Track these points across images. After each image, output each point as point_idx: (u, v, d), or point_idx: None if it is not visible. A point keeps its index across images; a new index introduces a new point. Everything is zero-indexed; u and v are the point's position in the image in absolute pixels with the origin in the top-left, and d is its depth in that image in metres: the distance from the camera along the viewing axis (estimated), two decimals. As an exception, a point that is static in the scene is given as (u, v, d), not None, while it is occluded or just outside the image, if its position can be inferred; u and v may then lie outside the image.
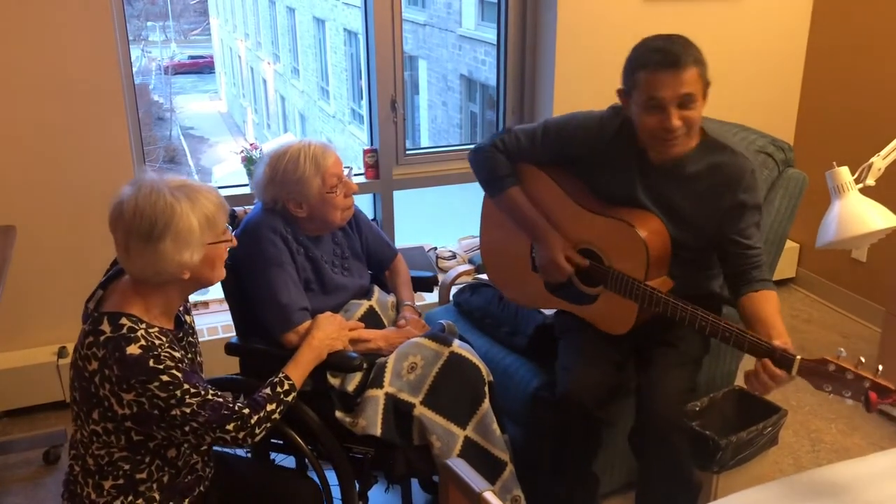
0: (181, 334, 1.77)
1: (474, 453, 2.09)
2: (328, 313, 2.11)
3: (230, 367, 2.26)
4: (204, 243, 1.66)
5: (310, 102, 12.54)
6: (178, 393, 1.59)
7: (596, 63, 3.24)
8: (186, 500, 1.78)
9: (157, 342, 1.61)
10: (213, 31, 17.54)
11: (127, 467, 1.68)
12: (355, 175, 3.41)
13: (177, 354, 1.63)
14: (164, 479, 1.73)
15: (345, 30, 10.74)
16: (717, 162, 2.05)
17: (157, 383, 1.57)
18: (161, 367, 1.58)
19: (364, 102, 3.40)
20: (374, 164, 3.37)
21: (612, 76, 2.08)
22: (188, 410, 1.61)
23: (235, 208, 2.35)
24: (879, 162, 2.31)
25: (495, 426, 2.13)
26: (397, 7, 3.21)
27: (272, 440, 2.19)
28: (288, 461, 2.36)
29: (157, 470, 1.72)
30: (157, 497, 1.72)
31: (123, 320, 1.60)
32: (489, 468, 2.11)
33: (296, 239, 2.17)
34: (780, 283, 4.03)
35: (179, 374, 1.60)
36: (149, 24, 16.93)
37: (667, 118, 1.92)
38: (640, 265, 2.05)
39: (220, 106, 17.60)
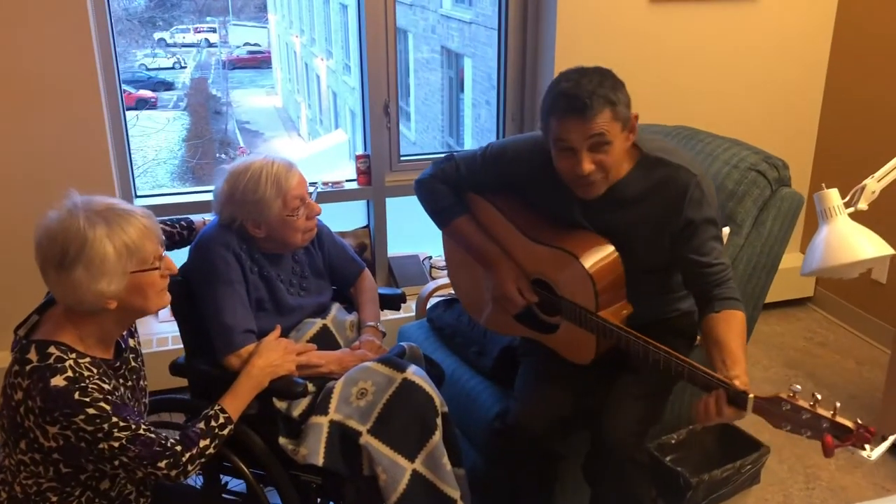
0: (118, 363, 1.70)
1: (422, 488, 1.98)
2: (272, 337, 2.03)
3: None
4: (126, 272, 1.57)
5: (359, 99, 12.58)
6: (106, 426, 1.53)
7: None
8: None
9: (86, 373, 1.55)
10: (270, 27, 17.76)
11: (55, 499, 1.63)
12: (347, 181, 3.34)
13: (106, 386, 1.57)
14: None
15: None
16: (657, 179, 1.91)
17: (82, 416, 1.51)
18: (87, 399, 1.52)
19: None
20: (366, 171, 3.30)
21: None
22: (117, 444, 1.55)
23: (193, 218, 2.30)
24: (873, 185, 2.14)
25: (446, 460, 2.01)
26: (390, 10, 3.12)
27: (224, 462, 2.12)
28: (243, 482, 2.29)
29: (88, 502, 1.67)
30: None
31: (52, 349, 1.54)
32: None
33: (250, 257, 2.10)
34: (798, 303, 3.84)
35: (108, 407, 1.54)
36: (208, 18, 17.22)
37: (577, 163, 1.83)
38: (588, 296, 1.93)
39: (276, 101, 17.82)
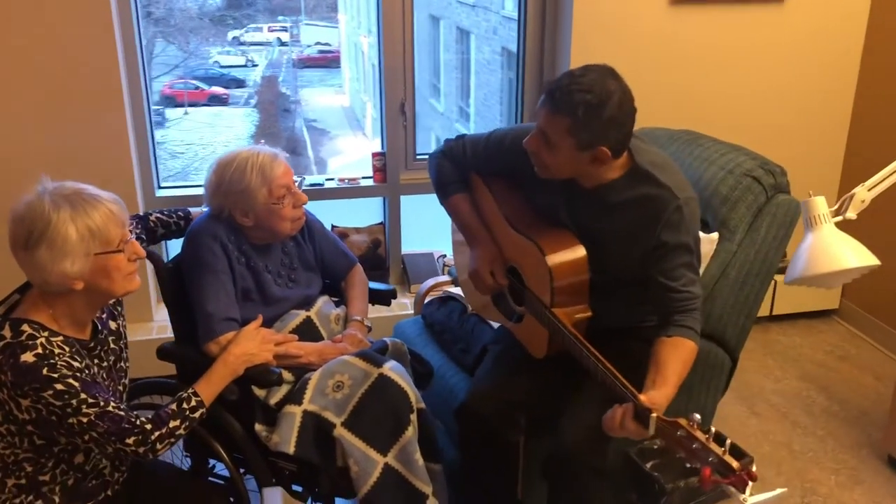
0: (93, 343, 1.78)
1: (393, 482, 2.02)
2: (251, 327, 2.09)
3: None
4: (89, 253, 1.64)
5: (422, 99, 12.64)
6: (74, 402, 1.61)
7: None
8: None
9: (56, 351, 1.63)
10: (340, 27, 17.99)
11: (30, 469, 1.72)
12: (363, 178, 3.39)
13: (76, 364, 1.65)
14: (69, 482, 1.76)
15: (457, 28, 10.75)
16: (641, 194, 1.91)
17: (50, 391, 1.59)
18: (56, 375, 1.59)
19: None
20: (381, 168, 3.35)
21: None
22: (85, 420, 1.62)
23: (191, 208, 2.38)
24: (863, 193, 2.09)
25: (418, 456, 2.04)
26: (408, 9, 3.16)
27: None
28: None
29: (62, 473, 1.75)
30: (58, 500, 1.75)
31: (25, 327, 1.63)
32: (408, 499, 2.03)
33: (238, 247, 2.16)
34: (822, 315, 3.72)
35: (76, 384, 1.61)
36: (280, 17, 17.52)
37: (528, 136, 1.90)
38: (545, 290, 1.94)
39: (344, 100, 18.04)
